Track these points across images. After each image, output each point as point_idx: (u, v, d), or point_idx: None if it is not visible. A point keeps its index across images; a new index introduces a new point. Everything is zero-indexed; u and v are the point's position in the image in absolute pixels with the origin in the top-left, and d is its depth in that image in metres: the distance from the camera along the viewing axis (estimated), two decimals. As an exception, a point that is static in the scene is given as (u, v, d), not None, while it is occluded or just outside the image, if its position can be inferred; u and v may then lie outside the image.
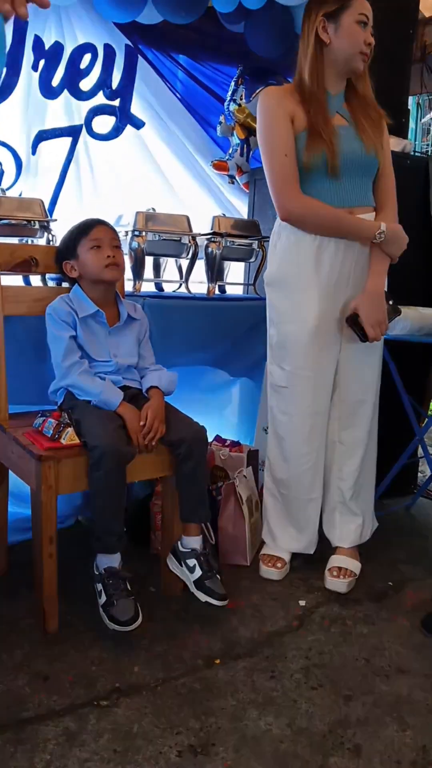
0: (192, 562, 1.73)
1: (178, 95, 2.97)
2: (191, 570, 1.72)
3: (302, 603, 1.87)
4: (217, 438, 2.40)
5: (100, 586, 1.64)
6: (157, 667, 1.55)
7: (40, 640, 1.63)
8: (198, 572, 1.71)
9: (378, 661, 1.62)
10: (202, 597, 1.70)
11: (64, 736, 1.31)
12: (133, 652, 1.60)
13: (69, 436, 1.63)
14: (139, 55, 2.73)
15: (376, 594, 1.94)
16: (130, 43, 2.69)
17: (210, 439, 2.38)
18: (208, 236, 2.47)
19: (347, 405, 1.98)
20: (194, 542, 1.75)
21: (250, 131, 2.91)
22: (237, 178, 3.10)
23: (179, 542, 1.77)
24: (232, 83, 2.95)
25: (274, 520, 2.07)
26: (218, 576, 1.73)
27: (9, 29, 2.34)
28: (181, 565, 1.75)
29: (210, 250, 2.47)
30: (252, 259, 2.65)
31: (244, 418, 2.81)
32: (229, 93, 2.95)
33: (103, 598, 1.62)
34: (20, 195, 2.18)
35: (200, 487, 1.77)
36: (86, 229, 1.81)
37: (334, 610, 1.84)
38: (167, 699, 1.44)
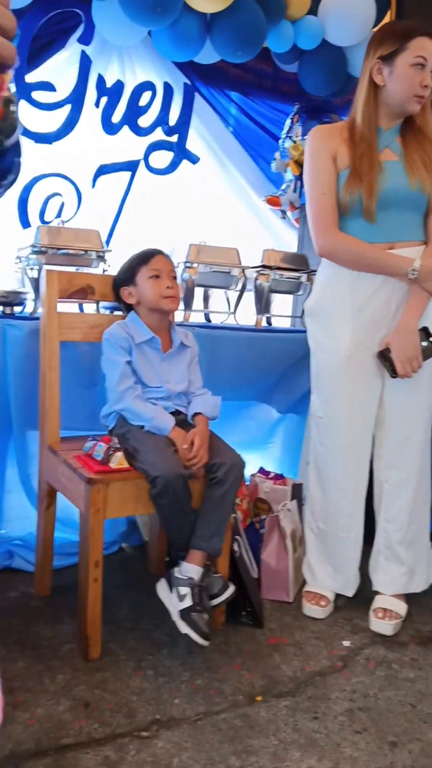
0: (184, 590, 1.63)
1: (232, 131, 3.03)
2: (180, 598, 1.63)
3: (346, 643, 1.82)
4: (261, 470, 2.39)
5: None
6: (197, 700, 1.52)
7: (81, 666, 1.63)
8: (187, 602, 1.62)
9: (425, 707, 1.56)
10: (183, 628, 1.60)
11: (104, 765, 1.30)
12: (174, 684, 1.58)
13: (118, 461, 1.65)
14: (196, 93, 2.81)
15: (423, 637, 1.88)
16: (188, 81, 2.78)
17: (254, 471, 2.38)
18: (258, 269, 2.49)
19: (392, 442, 1.94)
20: (194, 571, 1.66)
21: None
22: (289, 213, 3.13)
23: (177, 568, 1.70)
24: (288, 120, 3.00)
25: (313, 556, 2.04)
26: (207, 616, 1.64)
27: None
28: (172, 592, 1.66)
29: (259, 282, 2.50)
30: (300, 292, 2.66)
31: (288, 452, 2.80)
32: (285, 130, 3.00)
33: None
34: (72, 226, 2.25)
35: (223, 516, 1.72)
36: (146, 258, 1.86)
37: (380, 653, 1.79)
38: (207, 734, 1.41)
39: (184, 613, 1.62)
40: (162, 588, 1.71)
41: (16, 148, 1.12)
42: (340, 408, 1.91)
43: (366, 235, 1.83)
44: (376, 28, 1.88)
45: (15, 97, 1.03)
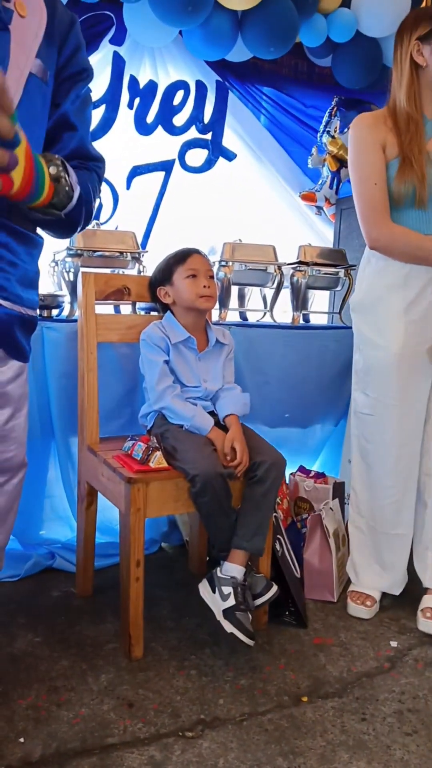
0: (228, 590, 1.62)
1: (267, 127, 3.02)
2: (224, 598, 1.61)
3: (394, 644, 1.78)
4: (301, 469, 2.36)
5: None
6: (242, 701, 1.50)
7: (124, 665, 1.62)
8: (231, 602, 1.60)
9: None
10: (228, 627, 1.57)
11: (149, 765, 1.29)
12: (218, 684, 1.56)
13: (158, 460, 1.64)
14: (229, 90, 2.80)
15: (472, 638, 1.83)
16: (220, 78, 2.77)
17: (294, 470, 2.35)
18: (294, 265, 2.47)
19: (441, 437, 1.90)
20: (236, 571, 1.64)
21: (342, 163, 2.91)
22: (325, 209, 3.10)
23: (219, 568, 1.68)
24: (326, 115, 2.96)
25: (358, 555, 2.00)
26: (250, 614, 1.62)
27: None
28: (214, 592, 1.65)
29: (295, 279, 2.47)
30: (338, 288, 2.63)
31: (328, 450, 2.75)
32: (323, 125, 2.96)
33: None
34: (116, 228, 2.26)
35: (264, 515, 1.69)
36: (183, 257, 1.85)
37: (429, 653, 1.74)
38: (253, 735, 1.39)
39: (229, 613, 1.60)
40: (204, 588, 1.69)
41: (84, 199, 1.17)
42: (392, 407, 1.86)
43: (419, 226, 1.79)
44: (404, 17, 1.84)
45: (65, 171, 1.07)
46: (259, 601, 1.69)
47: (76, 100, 1.27)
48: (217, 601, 1.63)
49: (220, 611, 1.61)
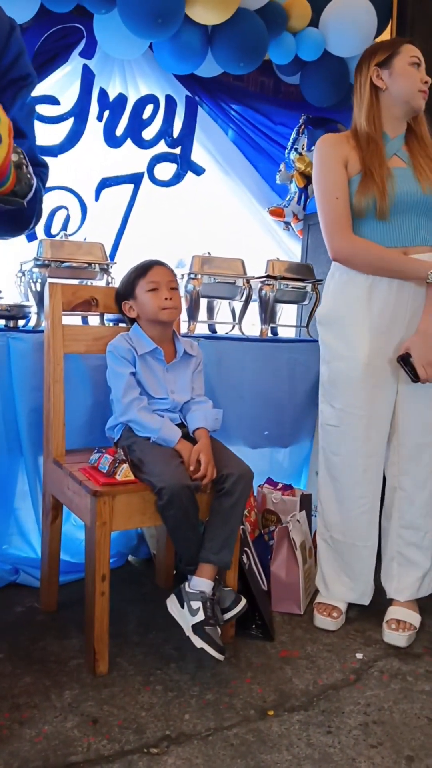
0: (196, 604, 1.61)
1: (235, 143, 3.04)
2: (193, 613, 1.60)
3: (359, 656, 1.79)
4: (269, 481, 2.37)
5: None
6: (208, 715, 1.49)
7: (89, 681, 1.60)
8: (200, 617, 1.59)
9: (441, 721, 1.52)
10: (198, 643, 1.56)
11: (113, 783, 1.27)
12: (184, 699, 1.55)
13: (124, 473, 1.63)
14: (198, 105, 2.82)
15: (437, 649, 1.85)
16: (190, 93, 2.79)
17: (261, 482, 2.36)
18: (263, 279, 2.49)
19: (406, 449, 1.92)
20: (205, 585, 1.63)
21: (309, 180, 2.95)
22: (292, 224, 3.13)
23: (187, 583, 1.67)
24: (294, 132, 3.00)
25: (327, 567, 2.01)
26: (219, 628, 1.61)
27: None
28: (183, 607, 1.64)
29: (264, 292, 2.49)
30: (305, 302, 2.65)
31: (295, 462, 2.77)
32: (290, 141, 3.00)
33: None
34: (84, 239, 2.25)
35: (232, 528, 1.68)
36: (144, 270, 1.85)
37: (394, 665, 1.75)
38: (219, 750, 1.38)
39: (198, 628, 1.58)
40: (173, 603, 1.67)
41: (37, 196, 1.16)
42: (358, 417, 1.88)
43: (381, 239, 1.83)
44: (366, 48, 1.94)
45: (25, 159, 1.06)
46: (227, 616, 1.69)
47: (23, 107, 1.26)
48: (185, 616, 1.62)
49: (189, 626, 1.60)
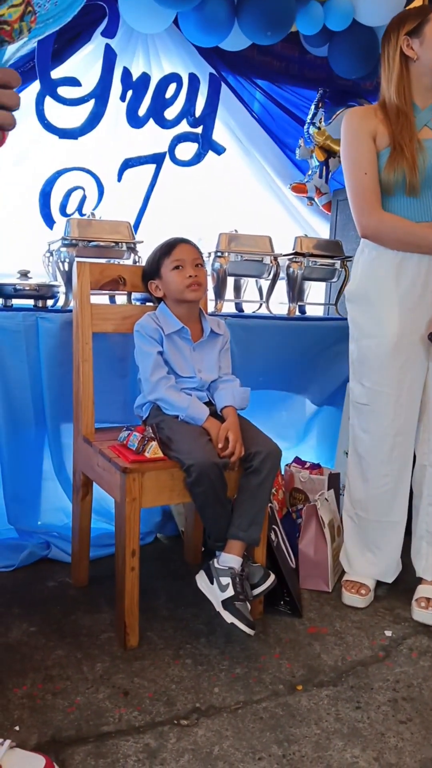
0: (226, 580, 1.62)
1: (258, 120, 3.01)
2: (222, 588, 1.62)
3: (388, 633, 1.79)
4: (297, 460, 2.36)
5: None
6: (237, 689, 1.51)
7: (120, 654, 1.63)
8: (230, 592, 1.60)
9: (471, 697, 1.52)
10: (228, 618, 1.58)
11: (144, 753, 1.29)
12: (213, 673, 1.57)
13: (153, 450, 1.64)
14: (222, 83, 2.78)
15: (467, 627, 1.84)
16: (213, 71, 2.75)
17: (289, 461, 2.35)
18: (290, 256, 2.46)
19: (436, 426, 1.90)
20: (234, 561, 1.64)
21: (329, 153, 2.91)
22: (316, 199, 3.09)
23: (216, 559, 1.68)
24: (312, 106, 2.96)
25: (351, 543, 2.01)
26: (249, 604, 1.62)
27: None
28: (212, 583, 1.65)
29: (291, 270, 2.47)
30: (334, 279, 2.62)
31: (324, 442, 2.76)
32: (309, 116, 2.96)
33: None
34: (99, 218, 2.24)
35: (260, 505, 1.69)
36: (169, 249, 1.84)
37: (423, 643, 1.75)
38: (248, 723, 1.40)
39: (228, 603, 1.60)
40: (202, 579, 1.69)
41: None
42: (387, 394, 1.86)
43: (410, 213, 1.79)
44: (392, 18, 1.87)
45: None
46: (257, 591, 1.70)
47: None
48: (215, 591, 1.64)
49: (219, 602, 1.62)
